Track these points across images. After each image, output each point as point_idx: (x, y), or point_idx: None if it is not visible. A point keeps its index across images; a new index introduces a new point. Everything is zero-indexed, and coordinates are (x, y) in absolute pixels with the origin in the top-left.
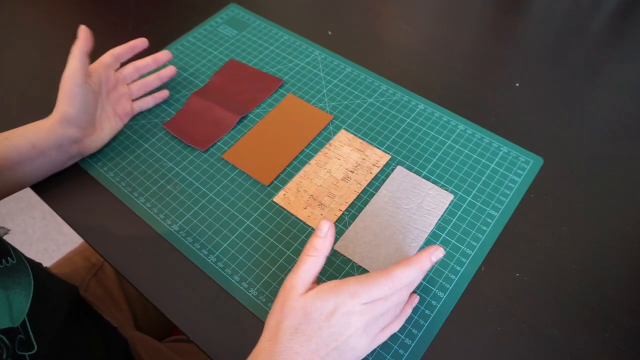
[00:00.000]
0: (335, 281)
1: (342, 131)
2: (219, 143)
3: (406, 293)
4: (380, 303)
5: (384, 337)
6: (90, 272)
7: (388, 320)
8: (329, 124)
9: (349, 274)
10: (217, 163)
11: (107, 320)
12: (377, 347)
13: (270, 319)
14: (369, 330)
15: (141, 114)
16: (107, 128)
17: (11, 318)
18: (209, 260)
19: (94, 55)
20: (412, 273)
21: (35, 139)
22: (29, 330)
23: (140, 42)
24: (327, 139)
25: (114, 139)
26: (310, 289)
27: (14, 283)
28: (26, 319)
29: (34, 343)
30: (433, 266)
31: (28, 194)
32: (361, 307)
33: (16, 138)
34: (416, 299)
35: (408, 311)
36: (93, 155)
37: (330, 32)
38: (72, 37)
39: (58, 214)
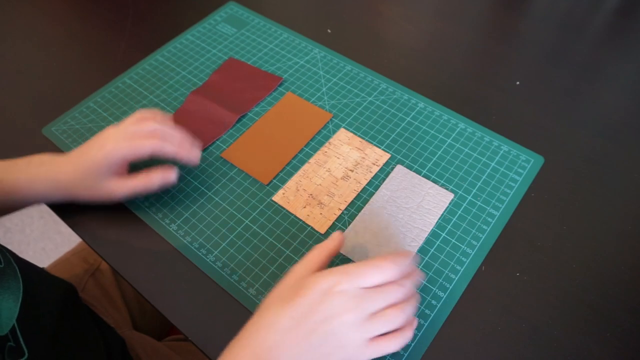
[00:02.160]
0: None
1: (342, 130)
2: (217, 142)
3: (400, 294)
4: (373, 293)
5: (379, 350)
6: (87, 272)
7: (383, 325)
8: (328, 122)
9: None
10: (216, 162)
11: (104, 321)
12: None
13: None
14: (359, 325)
15: None
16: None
17: None
18: (208, 260)
19: (93, 53)
20: (397, 263)
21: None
22: (19, 336)
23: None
24: (327, 138)
25: None
26: None
27: (1, 288)
28: (16, 325)
29: (25, 349)
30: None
31: None
32: (352, 289)
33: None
34: (415, 321)
35: (409, 334)
36: None
37: (329, 30)
38: (70, 35)
39: (56, 213)
